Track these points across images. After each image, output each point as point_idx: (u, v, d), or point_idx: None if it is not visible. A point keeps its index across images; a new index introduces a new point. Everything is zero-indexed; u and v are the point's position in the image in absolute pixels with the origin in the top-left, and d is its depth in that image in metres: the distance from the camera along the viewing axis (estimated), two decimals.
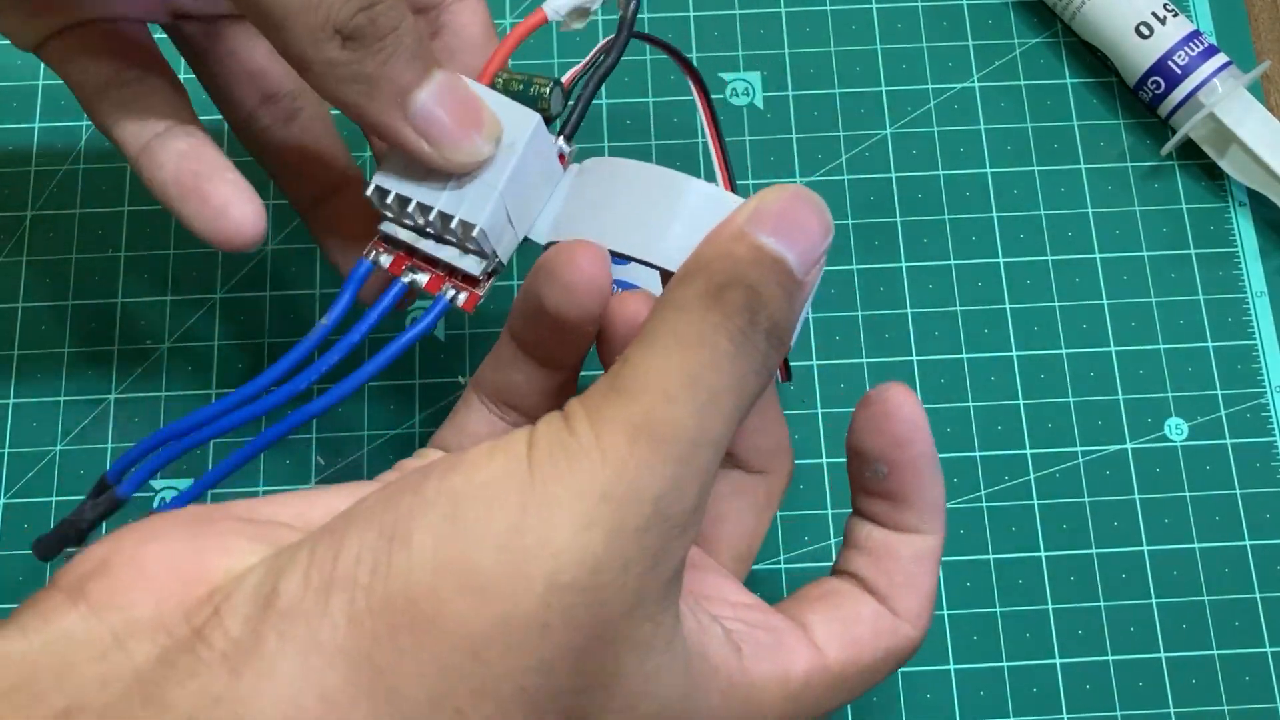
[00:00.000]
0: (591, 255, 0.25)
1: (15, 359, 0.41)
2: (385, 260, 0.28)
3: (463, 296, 0.28)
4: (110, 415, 0.40)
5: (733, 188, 0.32)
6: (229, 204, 0.29)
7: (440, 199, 0.27)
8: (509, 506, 0.20)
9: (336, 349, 0.28)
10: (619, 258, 0.27)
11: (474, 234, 0.27)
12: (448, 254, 0.27)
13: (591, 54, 0.30)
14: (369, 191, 0.27)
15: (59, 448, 0.40)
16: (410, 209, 0.27)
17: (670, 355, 0.22)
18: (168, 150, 0.30)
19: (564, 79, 0.29)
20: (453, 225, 0.27)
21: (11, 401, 0.40)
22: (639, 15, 0.33)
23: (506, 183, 0.27)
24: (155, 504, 0.39)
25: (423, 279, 0.28)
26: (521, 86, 0.28)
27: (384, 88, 0.26)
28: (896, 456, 0.26)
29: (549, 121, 0.28)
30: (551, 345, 0.27)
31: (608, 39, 0.29)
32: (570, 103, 0.29)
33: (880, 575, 0.27)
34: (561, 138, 0.28)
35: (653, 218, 0.26)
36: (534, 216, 0.28)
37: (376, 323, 0.27)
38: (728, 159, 0.32)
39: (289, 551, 0.21)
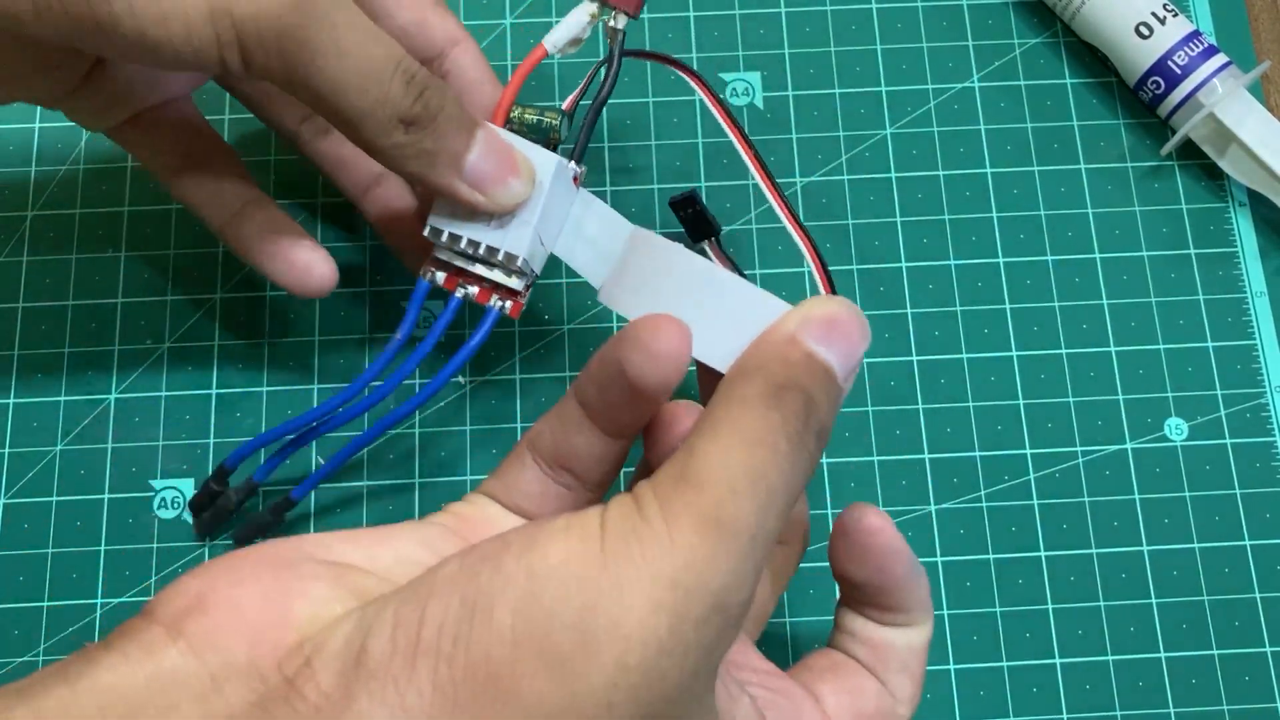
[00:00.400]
0: (676, 329, 0.27)
1: (15, 359, 0.41)
2: (440, 278, 0.33)
3: (509, 305, 0.33)
4: (110, 415, 0.40)
5: (774, 187, 0.35)
6: (311, 265, 0.36)
7: (487, 236, 0.32)
8: (585, 587, 0.22)
9: (416, 355, 0.34)
10: None
11: (517, 264, 0.32)
12: (495, 275, 0.33)
13: (587, 77, 0.35)
14: (426, 232, 0.32)
15: (59, 448, 0.40)
16: (462, 244, 0.32)
17: (735, 451, 0.23)
18: (250, 224, 0.36)
19: (565, 105, 0.34)
20: (499, 257, 0.32)
21: (11, 401, 0.40)
22: (641, 15, 0.36)
23: (539, 219, 0.32)
24: (155, 505, 0.39)
25: (474, 291, 0.33)
26: (534, 120, 0.33)
27: (441, 158, 0.30)
28: (880, 581, 0.29)
29: (557, 145, 0.33)
30: (620, 413, 0.28)
31: (599, 61, 0.34)
32: (576, 126, 0.34)
33: (878, 663, 0.29)
34: (573, 162, 0.33)
35: (700, 314, 0.28)
36: (558, 234, 0.33)
37: (443, 331, 0.33)
38: (759, 156, 0.35)
39: (375, 608, 0.22)
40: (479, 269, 0.33)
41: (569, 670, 0.21)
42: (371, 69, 0.29)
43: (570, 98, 0.35)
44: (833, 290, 0.34)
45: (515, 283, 0.33)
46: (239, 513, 0.38)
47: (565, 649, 0.21)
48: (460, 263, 0.33)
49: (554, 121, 0.33)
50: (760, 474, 0.23)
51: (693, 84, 0.35)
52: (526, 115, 0.33)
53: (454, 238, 0.32)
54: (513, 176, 0.31)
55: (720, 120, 0.35)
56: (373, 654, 0.21)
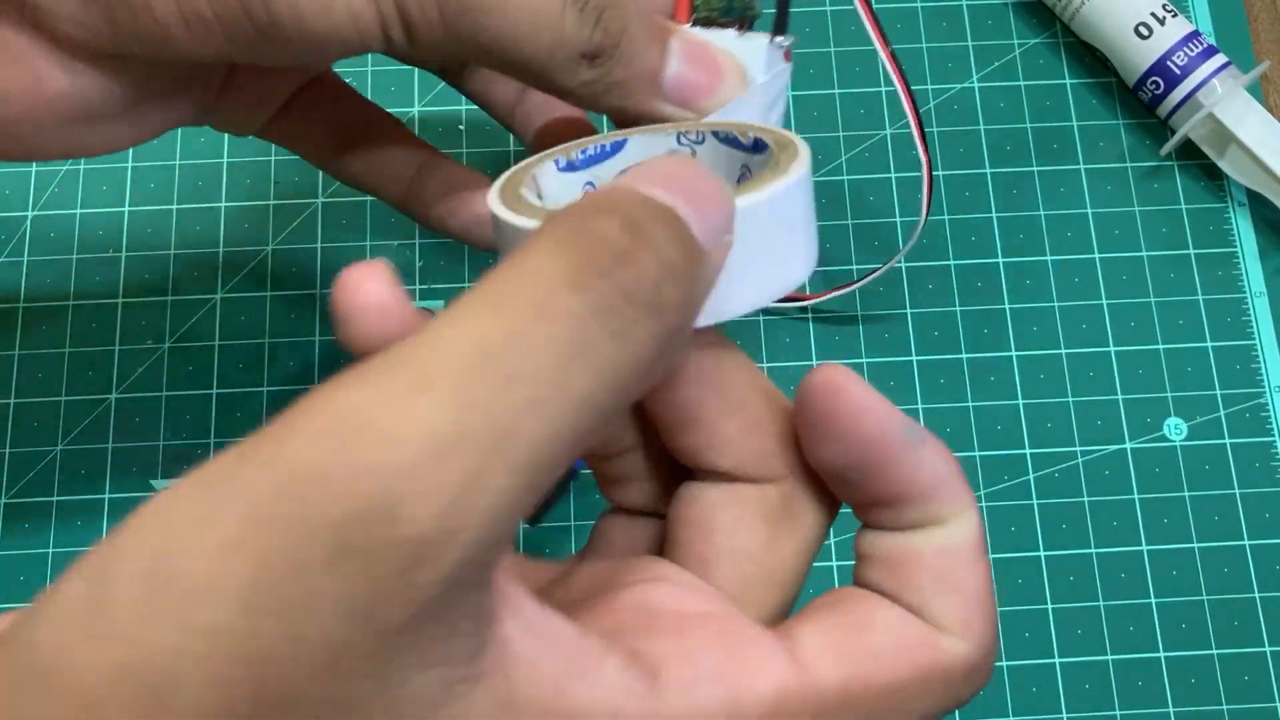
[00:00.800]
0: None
1: (15, 359, 0.41)
2: None
3: None
4: (110, 415, 0.40)
5: (905, 84, 0.34)
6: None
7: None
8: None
9: None
10: None
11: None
12: None
13: None
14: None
15: (59, 448, 0.40)
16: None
17: (462, 321, 0.17)
18: (430, 185, 0.33)
19: None
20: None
21: (12, 401, 0.40)
22: None
23: (762, 114, 0.28)
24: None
25: None
26: (726, 4, 0.29)
27: (635, 84, 0.27)
28: (865, 459, 0.21)
29: (753, 21, 0.29)
30: None
31: None
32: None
33: (902, 583, 0.21)
34: (780, 36, 0.28)
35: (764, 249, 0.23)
36: (781, 119, 0.29)
37: None
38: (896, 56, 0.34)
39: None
40: None
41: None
42: (539, 9, 0.26)
43: None
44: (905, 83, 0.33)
45: None
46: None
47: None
48: None
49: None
50: (489, 351, 0.16)
51: None
52: (713, 1, 0.29)
53: None
54: (719, 81, 0.27)
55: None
56: None
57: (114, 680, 0.15)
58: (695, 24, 0.29)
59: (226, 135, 0.34)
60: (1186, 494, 0.40)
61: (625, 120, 0.28)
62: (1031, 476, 0.40)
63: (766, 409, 0.23)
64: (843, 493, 0.22)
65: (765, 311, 0.41)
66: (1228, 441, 0.40)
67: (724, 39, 0.28)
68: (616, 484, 0.24)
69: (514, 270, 0.17)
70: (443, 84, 0.38)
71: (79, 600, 0.16)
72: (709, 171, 0.20)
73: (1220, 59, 0.42)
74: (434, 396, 0.16)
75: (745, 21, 0.29)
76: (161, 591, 0.15)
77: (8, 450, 0.40)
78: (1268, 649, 0.38)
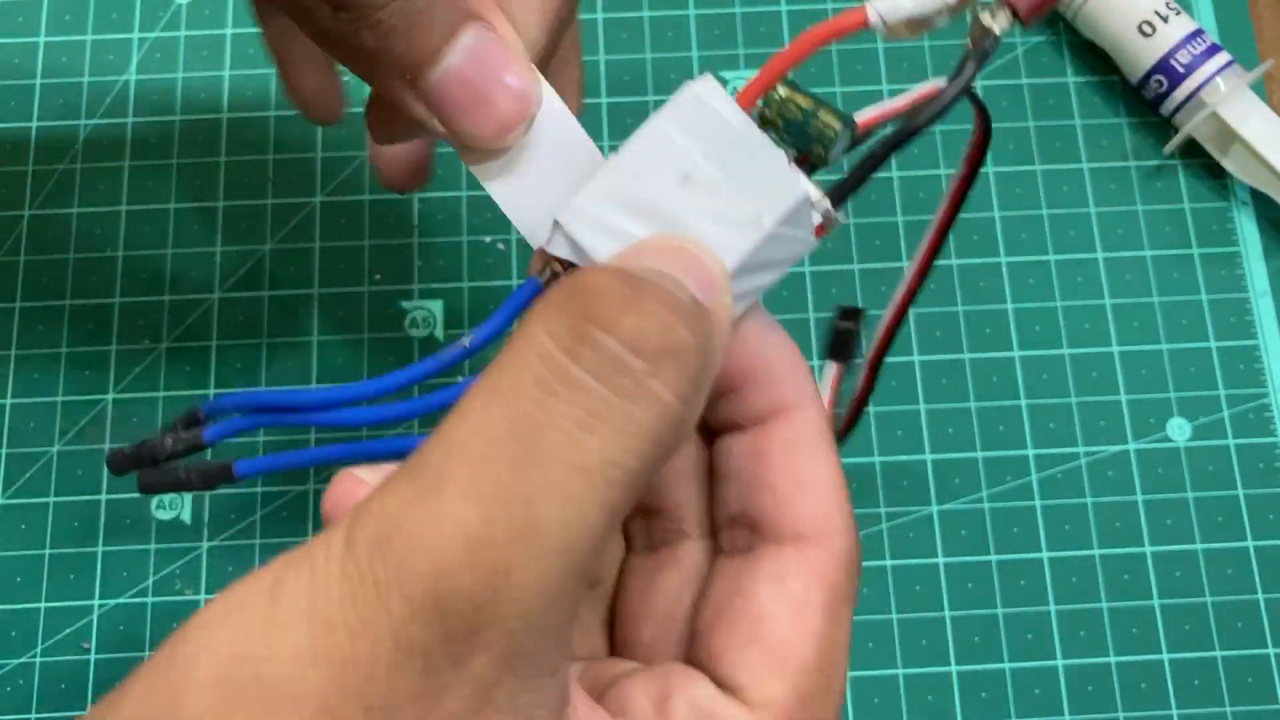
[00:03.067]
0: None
1: (13, 359, 0.40)
2: (547, 275, 0.22)
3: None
4: (108, 415, 0.40)
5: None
6: (320, 90, 0.31)
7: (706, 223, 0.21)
8: (235, 636, 0.17)
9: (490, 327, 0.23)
10: None
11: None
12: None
13: (910, 97, 0.23)
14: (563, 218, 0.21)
15: (57, 448, 0.40)
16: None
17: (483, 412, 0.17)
18: (300, 42, 0.29)
19: (860, 118, 0.23)
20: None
21: (10, 401, 0.40)
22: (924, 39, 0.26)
23: (738, 268, 0.21)
24: (153, 506, 0.39)
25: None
26: (802, 116, 0.22)
27: (386, 61, 0.22)
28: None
29: (818, 167, 0.22)
30: None
31: (936, 83, 0.23)
32: (857, 154, 0.22)
33: (758, 494, 0.21)
34: (826, 199, 0.22)
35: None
36: (758, 294, 0.22)
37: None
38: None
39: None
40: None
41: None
42: None
43: (871, 112, 0.23)
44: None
45: None
46: (164, 462, 0.28)
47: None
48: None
49: (829, 128, 0.22)
50: (497, 440, 0.16)
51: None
52: (794, 101, 0.22)
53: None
54: (491, 116, 0.21)
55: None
56: None
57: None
58: (759, 122, 0.22)
59: (225, 135, 0.34)
60: (1190, 495, 0.40)
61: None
62: (1034, 477, 0.40)
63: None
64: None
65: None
66: (1231, 442, 0.40)
67: (785, 180, 0.21)
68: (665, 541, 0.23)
69: (511, 348, 0.17)
70: None
71: (155, 710, 0.16)
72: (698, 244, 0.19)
73: (1224, 57, 0.42)
74: (457, 494, 0.16)
75: (809, 158, 0.22)
76: (238, 699, 0.16)
77: (4, 450, 0.39)
78: (1271, 651, 0.38)
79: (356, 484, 0.20)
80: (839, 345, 0.31)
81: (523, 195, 0.23)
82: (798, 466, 0.21)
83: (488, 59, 0.22)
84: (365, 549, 0.16)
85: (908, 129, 0.21)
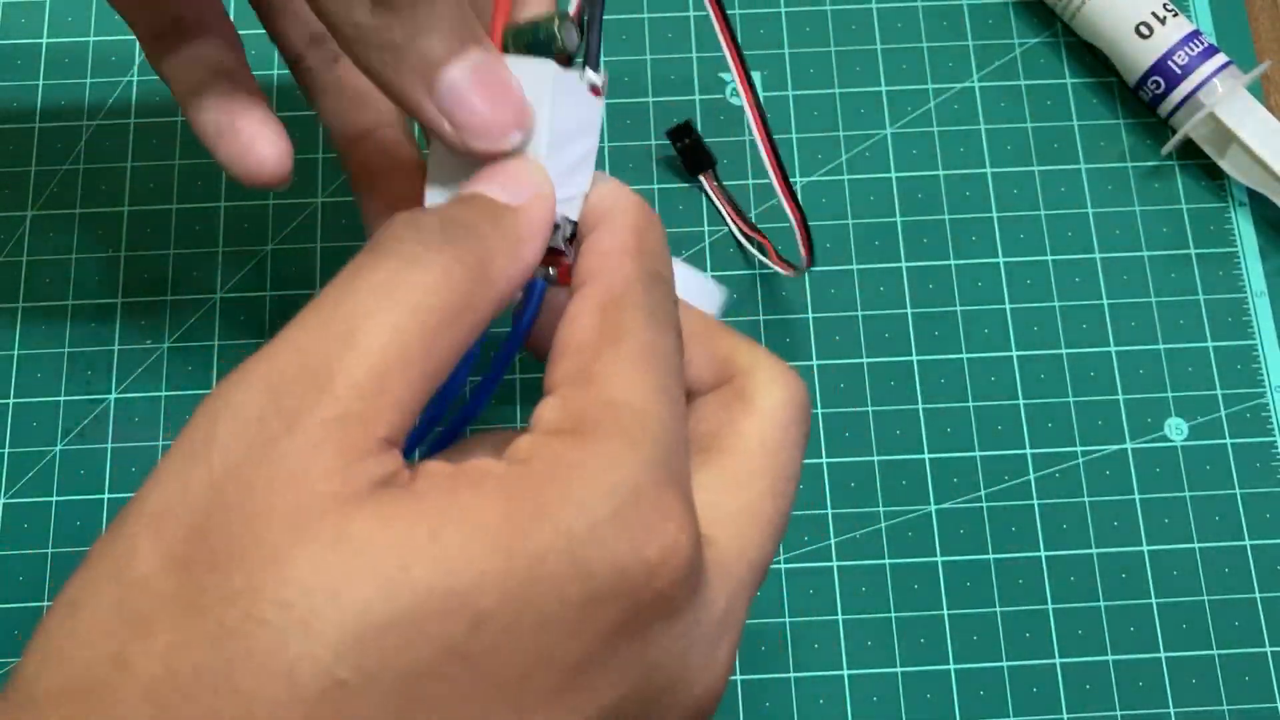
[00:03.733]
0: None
1: (15, 359, 0.41)
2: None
3: (554, 270, 0.26)
4: (110, 415, 0.40)
5: (773, 152, 0.33)
6: (255, 139, 0.30)
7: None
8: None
9: (496, 365, 0.26)
10: None
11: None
12: None
13: None
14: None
15: (59, 448, 0.40)
16: None
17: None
18: (211, 94, 0.31)
19: (570, 9, 0.26)
20: None
21: (11, 401, 0.40)
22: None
23: (548, 150, 0.25)
24: None
25: (553, 272, 0.26)
26: (531, 35, 0.26)
27: (409, 60, 0.24)
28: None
29: (569, 61, 0.26)
30: None
31: None
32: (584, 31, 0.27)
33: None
34: (587, 69, 0.26)
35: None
36: (590, 159, 0.26)
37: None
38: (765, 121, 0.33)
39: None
40: None
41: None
42: None
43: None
44: (810, 246, 0.34)
45: (555, 240, 0.26)
46: None
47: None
48: None
49: (553, 28, 0.26)
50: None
51: None
52: (521, 34, 0.26)
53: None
54: (506, 120, 0.25)
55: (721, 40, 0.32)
56: None
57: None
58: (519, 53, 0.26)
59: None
60: (1187, 494, 0.40)
61: (392, 102, 0.26)
62: (1032, 477, 0.40)
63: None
64: None
65: (767, 315, 0.41)
66: (1228, 441, 0.40)
67: (513, 66, 0.25)
68: None
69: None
70: None
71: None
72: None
73: (1221, 58, 0.42)
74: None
75: (562, 56, 0.26)
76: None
77: (7, 450, 0.40)
78: (1268, 649, 0.38)
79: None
80: (695, 160, 0.41)
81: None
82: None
83: (493, 70, 0.25)
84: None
85: None
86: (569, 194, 0.26)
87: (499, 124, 0.25)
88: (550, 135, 0.25)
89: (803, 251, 0.37)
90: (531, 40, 0.26)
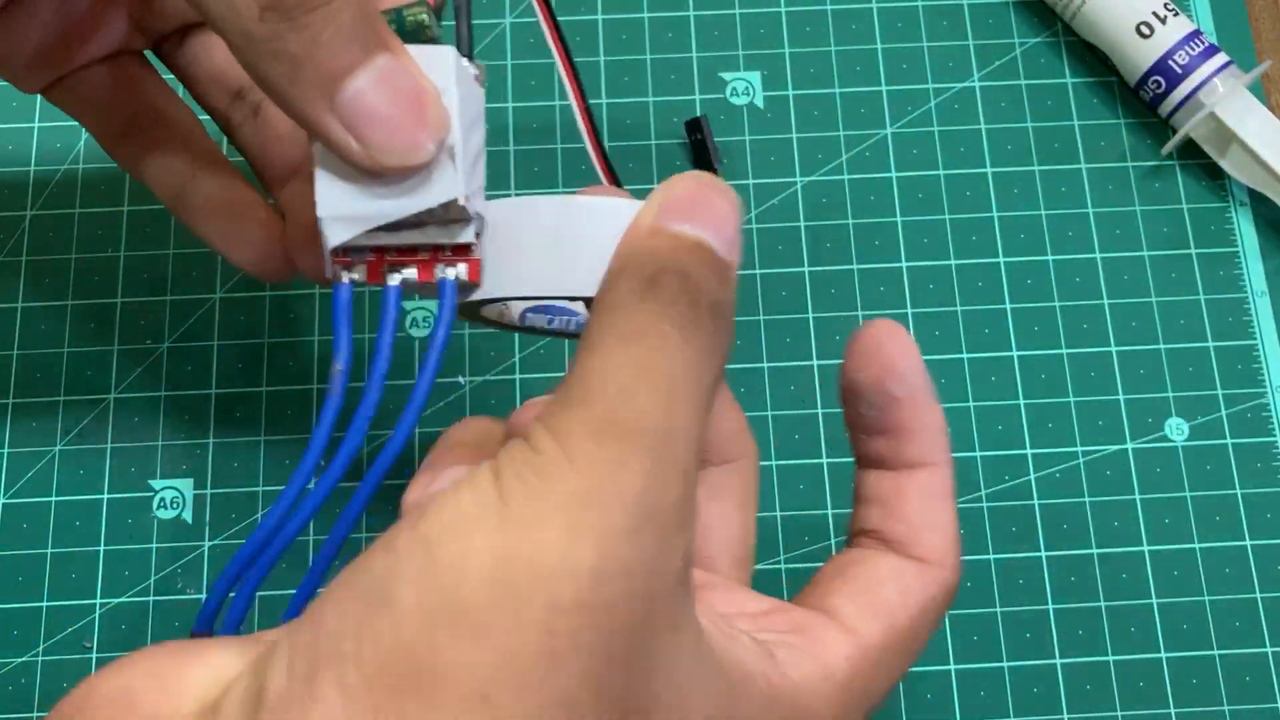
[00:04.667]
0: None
1: (15, 359, 0.40)
2: (359, 274, 0.24)
3: (464, 268, 0.25)
4: (110, 415, 0.40)
5: (584, 104, 0.30)
6: (260, 241, 0.31)
7: (405, 202, 0.23)
8: (490, 536, 0.19)
9: (371, 389, 0.24)
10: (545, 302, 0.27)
11: (460, 205, 0.24)
12: (431, 235, 0.24)
13: None
14: (319, 209, 0.24)
15: (59, 448, 0.40)
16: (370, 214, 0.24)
17: (614, 353, 0.21)
18: (200, 193, 0.31)
19: None
20: (434, 213, 0.24)
21: (11, 401, 0.40)
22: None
23: (460, 136, 0.24)
24: (154, 505, 0.39)
25: (411, 273, 0.24)
26: (397, 22, 0.25)
27: (308, 72, 0.22)
28: (888, 387, 0.26)
29: (439, 39, 0.25)
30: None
31: None
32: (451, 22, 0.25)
33: (895, 523, 0.26)
34: (467, 61, 0.25)
35: (559, 250, 0.24)
36: (484, 150, 0.25)
37: (393, 344, 0.24)
38: (575, 71, 0.31)
39: (270, 645, 0.19)
40: (406, 236, 0.24)
41: (495, 629, 0.18)
42: None
43: None
44: (614, 178, 0.31)
45: (463, 234, 0.24)
46: None
47: (486, 608, 0.18)
48: (373, 238, 0.24)
49: (420, 17, 0.25)
50: (650, 365, 0.20)
51: None
52: (391, 21, 0.25)
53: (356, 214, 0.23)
54: (418, 127, 0.23)
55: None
56: (271, 690, 0.18)
57: (501, 667, 0.18)
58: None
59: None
60: (1188, 494, 0.40)
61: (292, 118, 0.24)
62: (1032, 476, 0.40)
63: (725, 393, 0.28)
64: (855, 419, 0.26)
65: (767, 315, 0.41)
66: (1229, 441, 0.40)
67: (441, 60, 0.24)
68: None
69: (618, 319, 0.21)
70: None
71: (431, 611, 0.18)
72: (715, 182, 0.23)
73: (1221, 58, 0.42)
74: (642, 400, 0.20)
75: (433, 41, 0.25)
76: (519, 585, 0.18)
77: (6, 450, 0.40)
78: (1269, 649, 0.38)
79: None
80: (699, 158, 0.42)
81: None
82: (931, 511, 0.26)
83: (402, 76, 0.23)
84: (592, 440, 0.20)
85: None
86: (475, 186, 0.24)
87: (414, 138, 0.23)
88: (460, 127, 0.24)
89: (599, 168, 0.34)
90: (397, 29, 0.24)
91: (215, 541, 0.39)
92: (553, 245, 0.24)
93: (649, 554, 0.19)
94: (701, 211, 0.22)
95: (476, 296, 0.25)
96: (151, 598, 0.38)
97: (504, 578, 0.18)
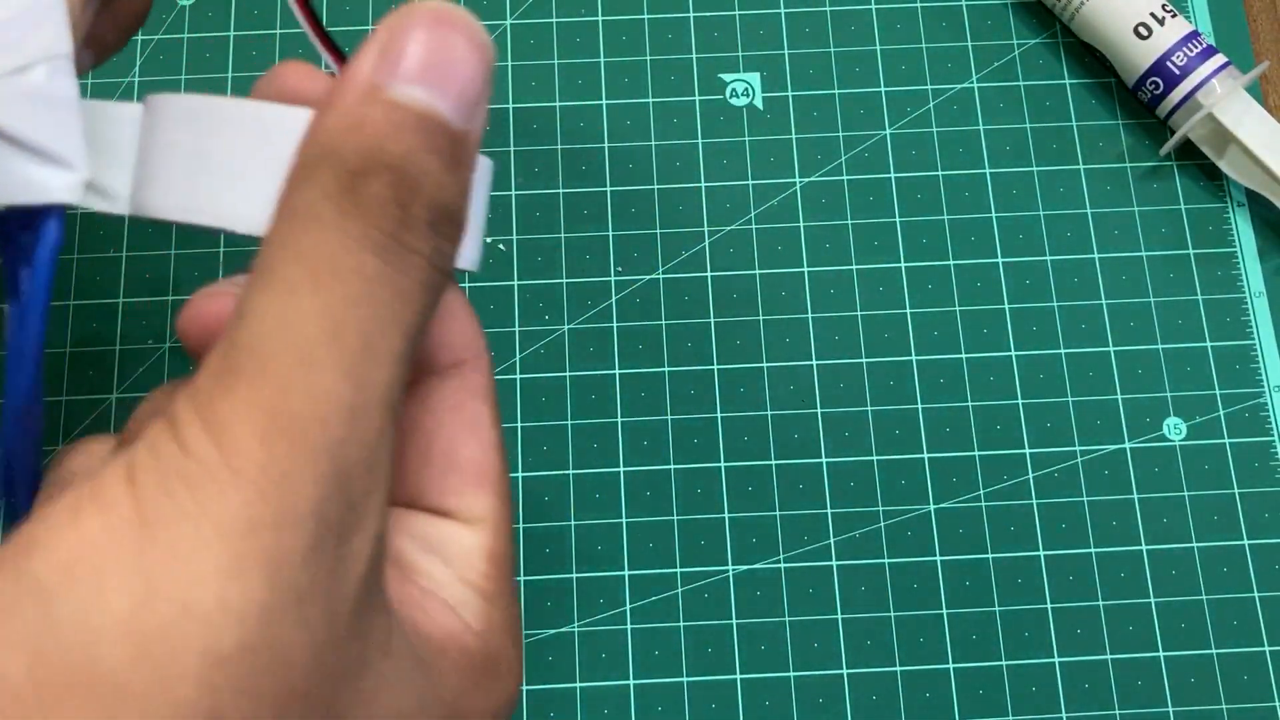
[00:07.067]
0: None
1: None
2: None
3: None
4: (111, 415, 0.40)
5: (325, 38, 0.24)
6: None
7: None
8: (125, 578, 0.15)
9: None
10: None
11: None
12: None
13: None
14: None
15: (59, 448, 0.40)
16: None
17: (295, 300, 0.16)
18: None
19: None
20: None
21: None
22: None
23: None
24: None
25: None
26: None
27: None
28: None
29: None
30: None
31: None
32: None
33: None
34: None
35: (224, 164, 0.20)
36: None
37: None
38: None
39: None
40: None
41: (136, 697, 0.14)
42: None
43: None
44: (339, 54, 0.24)
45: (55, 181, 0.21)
46: None
47: (121, 672, 0.14)
48: None
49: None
50: (342, 322, 0.16)
51: None
52: None
53: None
54: None
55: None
56: None
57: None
58: None
59: None
60: (1186, 494, 0.40)
61: None
62: (1031, 476, 0.40)
63: (455, 297, 0.23)
64: None
65: (766, 315, 0.41)
66: (1227, 441, 0.40)
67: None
68: None
69: (307, 244, 0.17)
70: None
71: (49, 683, 0.15)
72: (458, 18, 0.18)
73: (1220, 59, 0.42)
74: (325, 375, 0.16)
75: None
76: (168, 638, 0.15)
77: None
78: (1267, 648, 0.38)
79: (223, 299, 0.21)
80: None
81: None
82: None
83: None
84: (258, 442, 0.16)
85: None
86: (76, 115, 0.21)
87: None
88: None
89: (317, 42, 0.27)
90: None
91: None
92: (217, 158, 0.20)
93: (326, 570, 0.16)
94: (439, 65, 0.17)
95: (110, 209, 0.22)
96: None
97: (146, 629, 0.15)
